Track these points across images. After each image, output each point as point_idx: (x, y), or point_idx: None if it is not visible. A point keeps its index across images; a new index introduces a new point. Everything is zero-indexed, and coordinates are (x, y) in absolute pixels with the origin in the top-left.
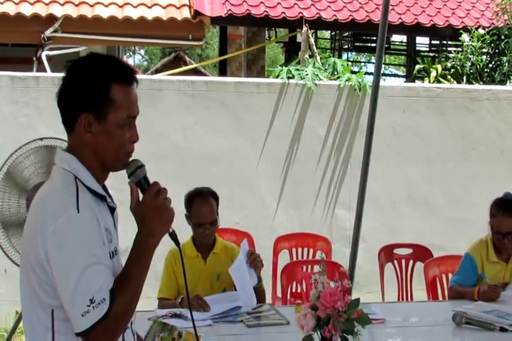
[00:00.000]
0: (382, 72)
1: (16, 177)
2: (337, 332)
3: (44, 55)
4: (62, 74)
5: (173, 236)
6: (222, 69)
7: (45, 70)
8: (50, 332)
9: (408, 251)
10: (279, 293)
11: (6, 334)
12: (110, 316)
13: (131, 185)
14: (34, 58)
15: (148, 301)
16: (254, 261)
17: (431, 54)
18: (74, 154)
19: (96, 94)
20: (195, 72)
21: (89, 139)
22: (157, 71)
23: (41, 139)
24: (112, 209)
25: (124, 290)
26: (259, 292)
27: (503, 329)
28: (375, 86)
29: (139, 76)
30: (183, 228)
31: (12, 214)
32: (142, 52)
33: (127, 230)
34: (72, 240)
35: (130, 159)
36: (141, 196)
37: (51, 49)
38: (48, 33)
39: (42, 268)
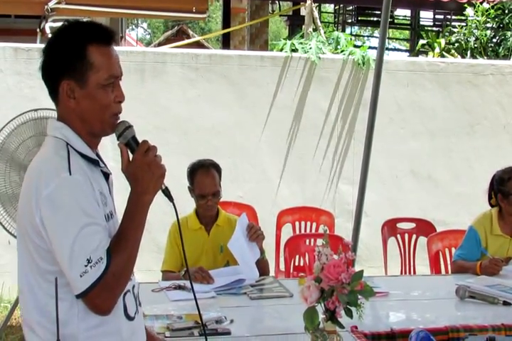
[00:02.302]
0: (385, 46)
1: (11, 153)
2: (341, 304)
3: (48, 26)
4: None
5: (166, 192)
6: (226, 43)
7: None
8: (53, 299)
9: (411, 225)
10: (282, 267)
11: (10, 306)
12: (108, 275)
13: (121, 147)
14: (38, 30)
15: (150, 274)
16: (255, 234)
17: (435, 28)
18: (64, 122)
19: (73, 58)
20: (198, 45)
21: (74, 105)
22: (160, 44)
23: (36, 110)
24: (106, 175)
25: (120, 248)
26: (262, 263)
27: (506, 303)
28: (379, 60)
29: (142, 49)
30: (186, 201)
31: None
32: (145, 25)
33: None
34: (67, 202)
35: (118, 121)
36: (131, 156)
37: (55, 20)
38: (52, 4)
39: (38, 234)
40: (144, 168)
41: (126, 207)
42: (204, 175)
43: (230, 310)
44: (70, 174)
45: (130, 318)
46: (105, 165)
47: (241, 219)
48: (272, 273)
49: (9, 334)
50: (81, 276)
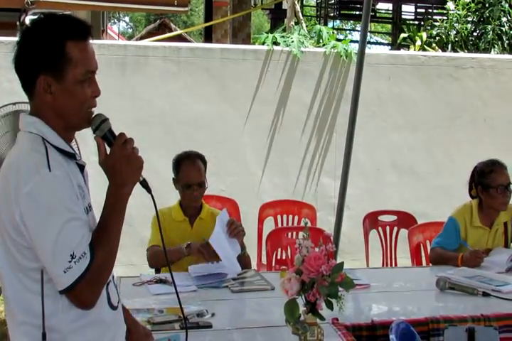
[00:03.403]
0: (367, 40)
1: None
2: (321, 296)
3: (27, 19)
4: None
5: (144, 184)
6: (208, 36)
7: None
8: (39, 296)
9: (393, 217)
10: (264, 260)
11: None
12: (92, 269)
13: (98, 140)
14: (17, 23)
15: (133, 268)
16: (235, 230)
17: (416, 22)
18: (38, 117)
19: (52, 54)
20: (181, 39)
21: (50, 100)
22: (142, 38)
23: (14, 104)
24: (81, 167)
25: (102, 242)
26: (243, 259)
27: (485, 294)
28: (361, 53)
29: (124, 42)
30: (168, 195)
31: None
32: (127, 19)
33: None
34: (47, 199)
35: (93, 115)
36: (108, 149)
37: (35, 14)
38: None
39: (18, 231)
40: (122, 160)
41: (105, 200)
42: (190, 165)
43: (211, 304)
44: (50, 170)
45: (114, 307)
46: (80, 157)
47: (221, 215)
48: (253, 266)
49: None
50: (65, 272)
